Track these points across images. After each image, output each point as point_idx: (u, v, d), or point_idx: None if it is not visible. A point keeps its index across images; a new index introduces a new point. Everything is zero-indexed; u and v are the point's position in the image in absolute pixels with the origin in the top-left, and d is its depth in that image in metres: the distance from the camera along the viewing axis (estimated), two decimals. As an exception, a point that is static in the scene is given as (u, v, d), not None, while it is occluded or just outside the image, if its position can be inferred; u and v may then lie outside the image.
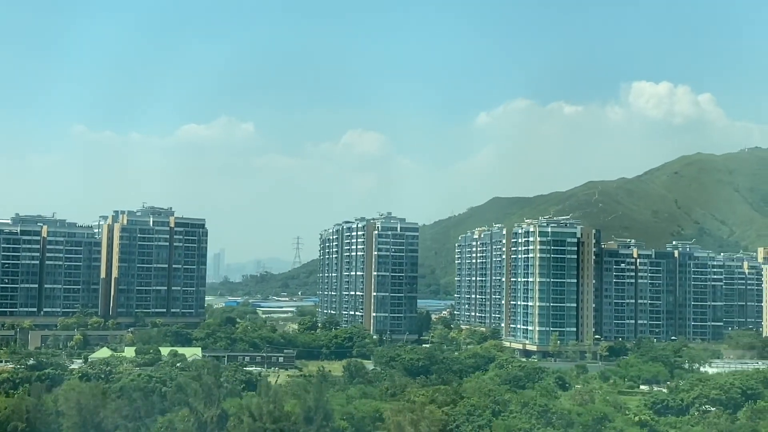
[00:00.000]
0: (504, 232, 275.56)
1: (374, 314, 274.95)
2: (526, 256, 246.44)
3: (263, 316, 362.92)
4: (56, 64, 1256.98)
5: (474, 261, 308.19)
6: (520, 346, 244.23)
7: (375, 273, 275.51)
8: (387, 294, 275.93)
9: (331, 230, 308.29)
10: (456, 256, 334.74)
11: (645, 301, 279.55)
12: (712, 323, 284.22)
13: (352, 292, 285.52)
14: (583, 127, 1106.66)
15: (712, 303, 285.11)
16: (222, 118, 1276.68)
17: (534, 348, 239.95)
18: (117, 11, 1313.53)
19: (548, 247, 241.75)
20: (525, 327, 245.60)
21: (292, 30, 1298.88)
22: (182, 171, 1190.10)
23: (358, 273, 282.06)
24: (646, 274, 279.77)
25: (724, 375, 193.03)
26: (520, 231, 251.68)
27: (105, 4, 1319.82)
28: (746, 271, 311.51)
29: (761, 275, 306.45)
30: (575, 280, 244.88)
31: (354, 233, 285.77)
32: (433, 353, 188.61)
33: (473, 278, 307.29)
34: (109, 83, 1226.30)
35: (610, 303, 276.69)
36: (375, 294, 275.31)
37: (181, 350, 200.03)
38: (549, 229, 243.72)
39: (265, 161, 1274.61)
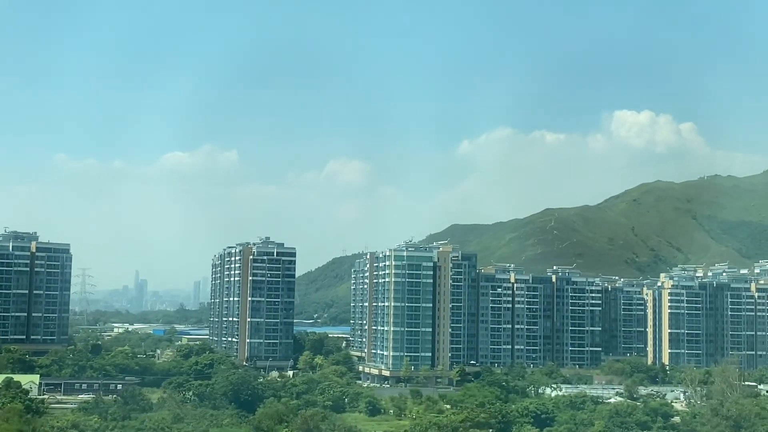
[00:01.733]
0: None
1: (248, 340, 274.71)
2: (384, 280, 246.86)
3: (176, 344, 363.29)
4: (38, 93, 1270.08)
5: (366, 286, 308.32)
6: (377, 372, 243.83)
7: (250, 298, 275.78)
8: (262, 320, 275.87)
9: (217, 255, 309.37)
10: (351, 281, 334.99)
11: (522, 326, 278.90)
12: (590, 348, 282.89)
13: (231, 318, 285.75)
14: (564, 155, 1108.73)
15: (590, 328, 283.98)
16: (206, 146, 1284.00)
17: (387, 373, 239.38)
18: (99, 39, 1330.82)
19: (403, 272, 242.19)
20: (381, 352, 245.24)
21: (275, 58, 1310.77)
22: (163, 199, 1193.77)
23: (235, 299, 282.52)
24: (523, 299, 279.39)
25: (549, 398, 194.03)
26: (380, 256, 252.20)
27: (86, 32, 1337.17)
28: (645, 297, 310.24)
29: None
30: (431, 305, 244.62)
31: (232, 258, 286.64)
32: (246, 379, 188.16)
33: (365, 304, 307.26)
34: (91, 111, 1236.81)
35: (486, 328, 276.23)
36: (250, 320, 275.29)
37: (18, 377, 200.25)
38: (405, 254, 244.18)
39: (249, 190, 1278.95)
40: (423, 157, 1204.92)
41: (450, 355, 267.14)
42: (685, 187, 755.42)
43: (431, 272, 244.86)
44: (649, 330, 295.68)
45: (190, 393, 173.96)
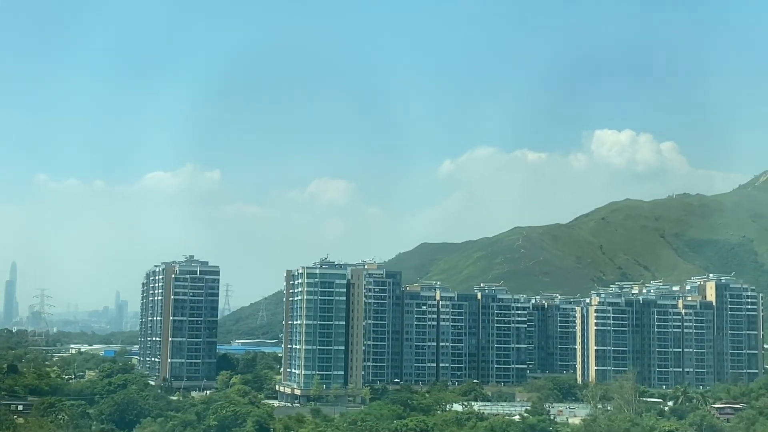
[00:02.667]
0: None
1: (170, 360, 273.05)
2: (297, 298, 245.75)
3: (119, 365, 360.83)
4: (19, 113, 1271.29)
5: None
6: (289, 391, 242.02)
7: (172, 318, 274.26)
8: (184, 339, 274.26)
9: (145, 274, 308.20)
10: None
11: (447, 344, 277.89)
12: (516, 366, 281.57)
13: (154, 338, 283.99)
14: (545, 174, 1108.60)
15: (516, 345, 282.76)
16: (188, 166, 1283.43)
17: (299, 392, 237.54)
18: (79, 59, 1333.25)
19: (315, 289, 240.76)
20: (294, 371, 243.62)
21: (257, 78, 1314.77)
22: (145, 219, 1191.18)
23: (157, 318, 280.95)
24: (448, 317, 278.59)
25: (440, 415, 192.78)
26: (295, 273, 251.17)
27: (67, 52, 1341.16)
28: (578, 316, 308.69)
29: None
30: (344, 323, 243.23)
31: (156, 277, 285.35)
32: (132, 399, 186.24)
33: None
34: (72, 131, 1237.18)
35: (411, 346, 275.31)
36: (171, 339, 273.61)
37: None
38: (317, 271, 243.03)
39: (232, 210, 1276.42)
40: (406, 176, 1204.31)
41: (372, 373, 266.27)
42: (653, 206, 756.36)
43: (344, 290, 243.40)
44: (578, 347, 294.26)
45: (62, 414, 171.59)
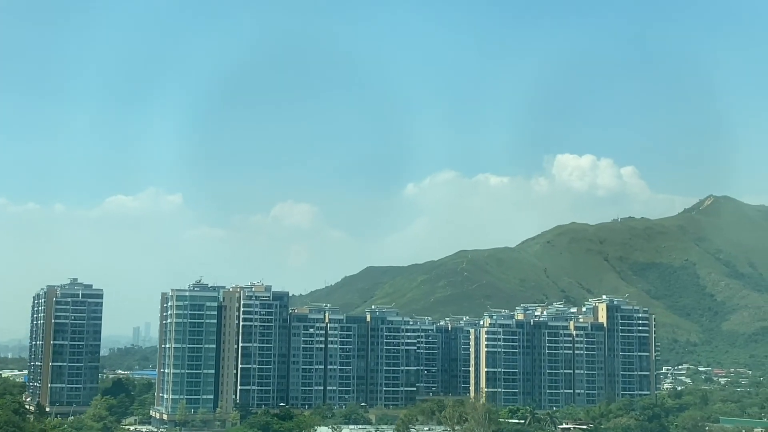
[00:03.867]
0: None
1: (50, 385, 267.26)
2: (168, 321, 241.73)
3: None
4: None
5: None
6: (158, 416, 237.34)
7: (52, 342, 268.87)
8: (65, 364, 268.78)
9: (34, 297, 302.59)
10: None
11: (335, 367, 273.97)
12: (405, 388, 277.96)
13: (36, 363, 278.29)
14: (507, 198, 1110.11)
15: (405, 368, 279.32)
16: (150, 189, 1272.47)
17: (166, 417, 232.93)
18: (35, 82, 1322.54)
19: (185, 312, 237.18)
20: (164, 395, 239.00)
21: (217, 102, 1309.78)
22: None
23: (39, 342, 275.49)
24: (336, 339, 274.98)
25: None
26: (167, 296, 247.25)
27: (22, 75, 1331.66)
28: (471, 337, 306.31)
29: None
30: (214, 346, 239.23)
31: (40, 300, 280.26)
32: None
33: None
34: (30, 154, 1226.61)
35: (298, 369, 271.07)
36: (52, 364, 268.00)
37: None
38: (187, 294, 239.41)
39: (196, 233, 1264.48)
40: (369, 200, 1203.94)
41: (258, 396, 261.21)
42: (598, 229, 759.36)
43: (215, 312, 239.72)
44: (471, 369, 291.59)
45: None
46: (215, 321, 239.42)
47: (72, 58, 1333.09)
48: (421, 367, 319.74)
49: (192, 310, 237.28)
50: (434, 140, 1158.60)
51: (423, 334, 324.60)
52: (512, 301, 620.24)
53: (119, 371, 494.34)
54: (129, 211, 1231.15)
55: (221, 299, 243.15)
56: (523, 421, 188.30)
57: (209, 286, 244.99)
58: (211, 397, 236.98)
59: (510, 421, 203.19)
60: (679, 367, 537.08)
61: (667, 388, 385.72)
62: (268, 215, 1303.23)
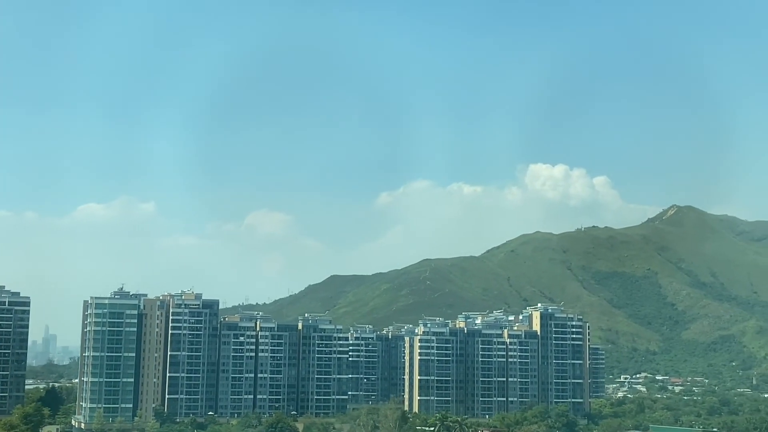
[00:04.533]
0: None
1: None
2: (89, 329, 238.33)
3: None
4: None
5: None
6: (77, 425, 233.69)
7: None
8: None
9: None
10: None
11: (266, 375, 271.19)
12: (337, 396, 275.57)
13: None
14: (480, 207, 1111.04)
15: (337, 376, 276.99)
16: (122, 197, 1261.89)
17: (84, 426, 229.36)
18: (8, 89, 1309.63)
19: (104, 320, 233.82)
20: (82, 404, 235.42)
21: (191, 108, 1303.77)
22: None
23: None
24: (267, 348, 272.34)
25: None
26: (89, 304, 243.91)
27: None
28: (406, 346, 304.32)
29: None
30: (133, 354, 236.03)
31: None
32: None
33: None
34: (2, 160, 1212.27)
35: (227, 378, 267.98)
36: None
37: None
38: (107, 302, 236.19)
39: (169, 242, 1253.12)
40: (344, 209, 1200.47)
41: (186, 405, 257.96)
42: (561, 239, 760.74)
43: (135, 320, 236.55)
44: (406, 377, 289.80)
45: None
46: (135, 329, 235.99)
47: (43, 65, 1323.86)
48: (361, 376, 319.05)
49: (111, 318, 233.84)
50: (410, 149, 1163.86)
51: (363, 342, 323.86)
52: (474, 310, 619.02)
53: (74, 380, 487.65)
54: (100, 220, 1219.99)
55: (142, 307, 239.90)
56: (432, 429, 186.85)
57: (130, 294, 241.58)
58: (130, 405, 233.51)
59: (425, 429, 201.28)
60: (637, 375, 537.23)
61: (618, 397, 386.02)
62: (242, 223, 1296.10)
